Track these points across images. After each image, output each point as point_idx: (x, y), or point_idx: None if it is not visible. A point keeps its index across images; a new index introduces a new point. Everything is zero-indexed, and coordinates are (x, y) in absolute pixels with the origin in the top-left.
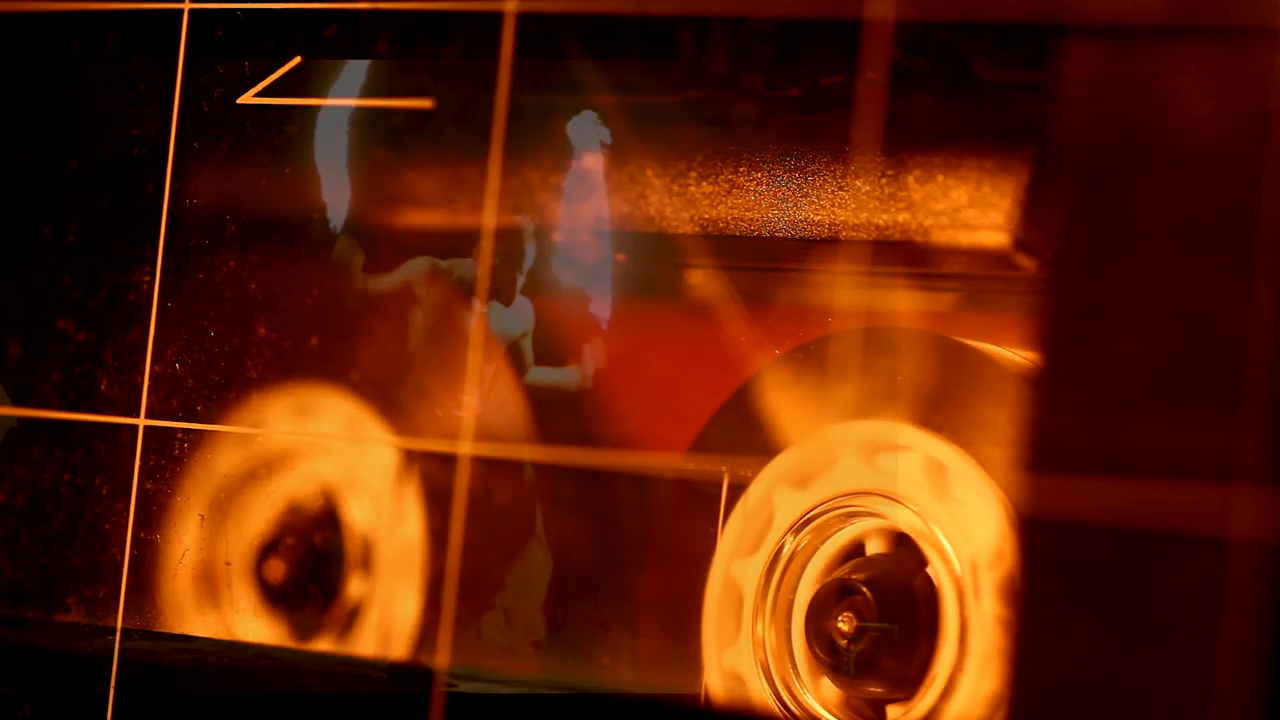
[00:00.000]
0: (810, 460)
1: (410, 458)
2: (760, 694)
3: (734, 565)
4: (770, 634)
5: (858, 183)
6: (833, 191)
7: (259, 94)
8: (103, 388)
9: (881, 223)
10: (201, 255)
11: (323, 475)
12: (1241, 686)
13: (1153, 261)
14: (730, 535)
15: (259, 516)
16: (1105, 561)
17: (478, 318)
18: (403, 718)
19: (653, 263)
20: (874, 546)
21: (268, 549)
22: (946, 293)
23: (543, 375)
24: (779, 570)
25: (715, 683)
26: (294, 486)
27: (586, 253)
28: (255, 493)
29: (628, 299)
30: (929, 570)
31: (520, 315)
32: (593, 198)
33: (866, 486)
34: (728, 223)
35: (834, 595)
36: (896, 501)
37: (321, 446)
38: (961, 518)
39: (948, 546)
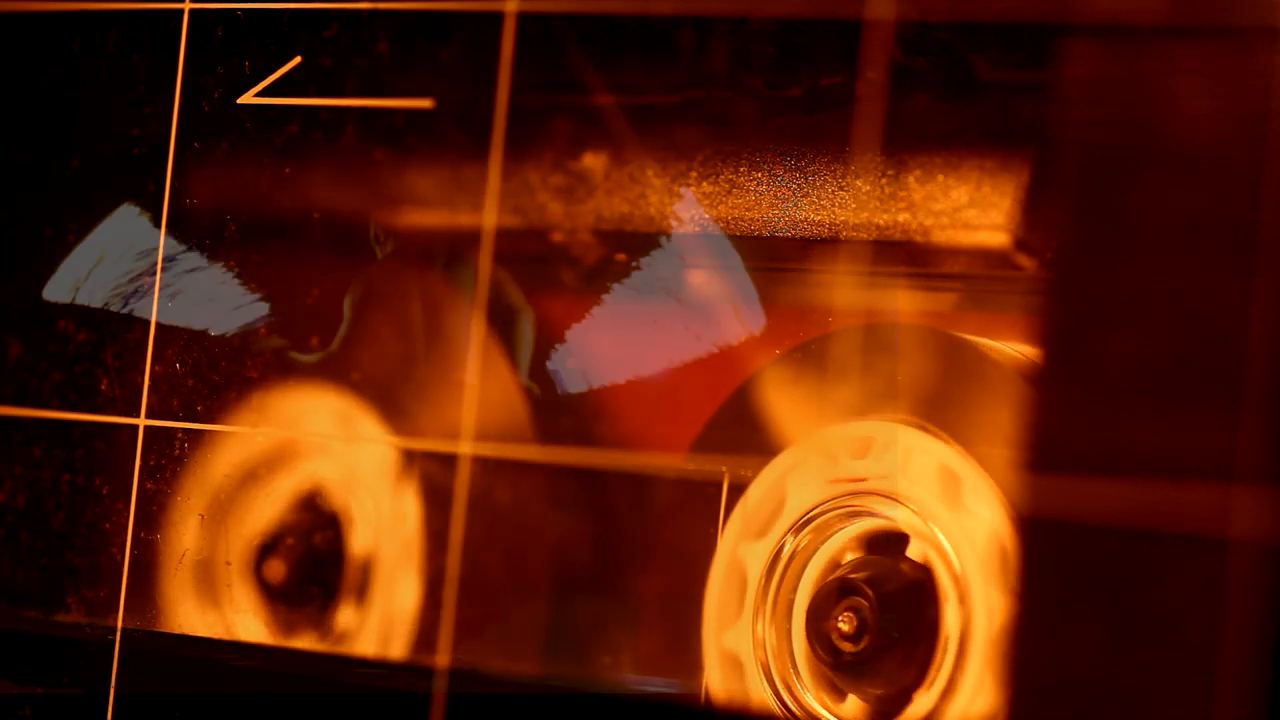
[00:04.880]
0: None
1: (410, 457)
2: (758, 689)
3: (741, 548)
4: (770, 633)
5: (858, 183)
6: (833, 191)
7: (259, 94)
8: (103, 388)
9: (882, 223)
10: (201, 255)
11: (322, 475)
12: (1241, 686)
13: (1153, 261)
14: (738, 519)
15: (259, 516)
16: (1105, 561)
17: (477, 317)
18: (403, 718)
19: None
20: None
21: (268, 549)
22: (947, 292)
23: None
24: (779, 570)
25: (712, 663)
26: (294, 486)
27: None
28: (255, 493)
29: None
30: (929, 570)
31: None
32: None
33: (869, 485)
34: (728, 223)
35: (834, 595)
36: (897, 501)
37: (321, 446)
38: (963, 517)
39: (948, 546)
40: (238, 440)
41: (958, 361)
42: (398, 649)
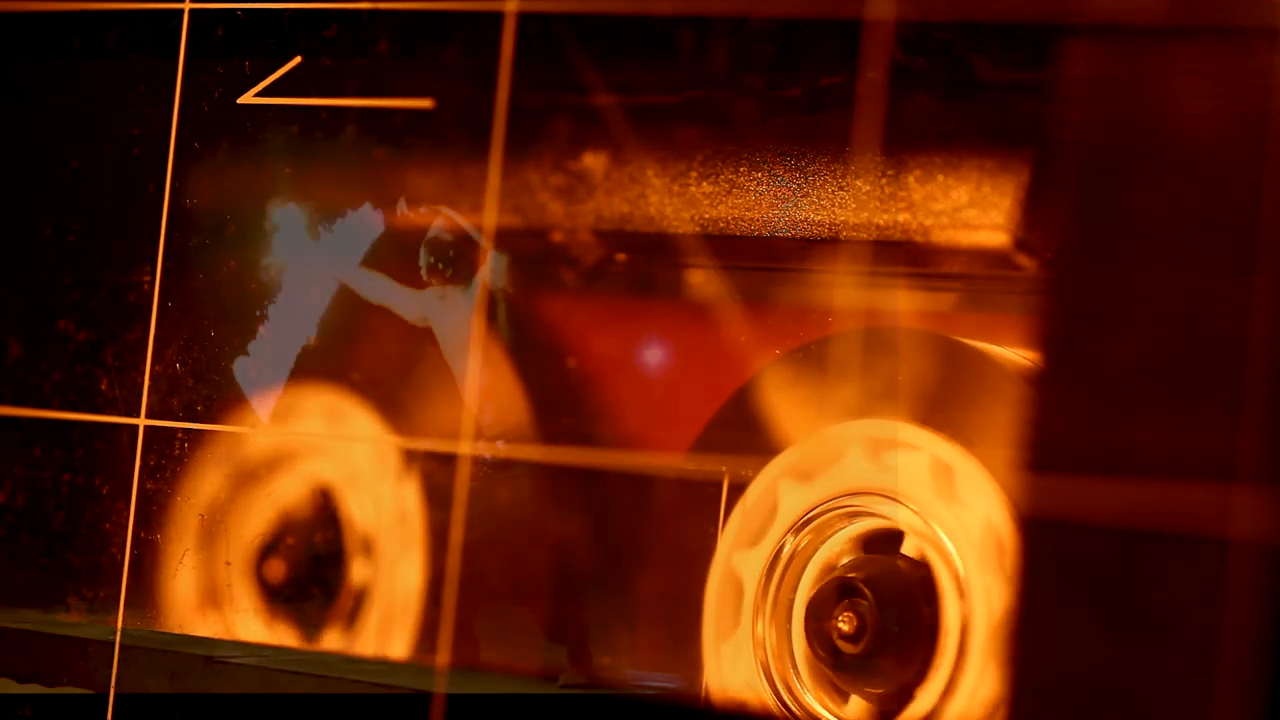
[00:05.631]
0: (815, 456)
1: (410, 457)
2: (760, 694)
3: (735, 557)
4: (770, 634)
5: (858, 183)
6: (833, 191)
7: (259, 94)
8: (103, 388)
9: (882, 223)
10: (201, 255)
11: (322, 474)
12: (1241, 686)
13: (1153, 261)
14: (732, 528)
15: (259, 516)
16: (1105, 561)
17: (478, 317)
18: (403, 718)
19: (653, 262)
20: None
21: (268, 549)
22: (947, 293)
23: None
24: (779, 570)
25: (713, 673)
26: (294, 486)
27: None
28: (255, 492)
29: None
30: (930, 570)
31: None
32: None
33: (869, 485)
34: (728, 223)
35: (834, 595)
36: (898, 501)
37: (321, 446)
38: (964, 518)
39: (949, 546)
40: (238, 440)
41: (957, 363)
42: (398, 649)
